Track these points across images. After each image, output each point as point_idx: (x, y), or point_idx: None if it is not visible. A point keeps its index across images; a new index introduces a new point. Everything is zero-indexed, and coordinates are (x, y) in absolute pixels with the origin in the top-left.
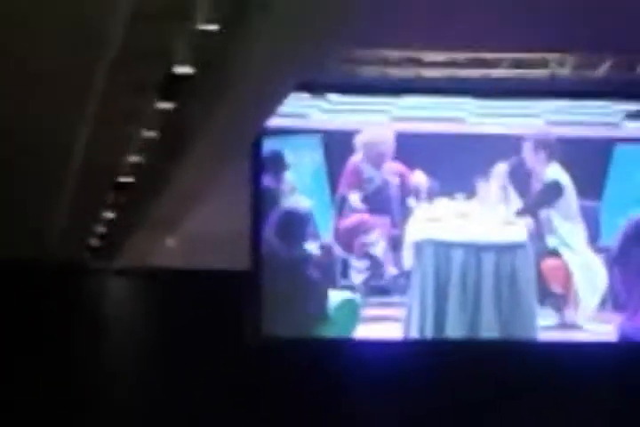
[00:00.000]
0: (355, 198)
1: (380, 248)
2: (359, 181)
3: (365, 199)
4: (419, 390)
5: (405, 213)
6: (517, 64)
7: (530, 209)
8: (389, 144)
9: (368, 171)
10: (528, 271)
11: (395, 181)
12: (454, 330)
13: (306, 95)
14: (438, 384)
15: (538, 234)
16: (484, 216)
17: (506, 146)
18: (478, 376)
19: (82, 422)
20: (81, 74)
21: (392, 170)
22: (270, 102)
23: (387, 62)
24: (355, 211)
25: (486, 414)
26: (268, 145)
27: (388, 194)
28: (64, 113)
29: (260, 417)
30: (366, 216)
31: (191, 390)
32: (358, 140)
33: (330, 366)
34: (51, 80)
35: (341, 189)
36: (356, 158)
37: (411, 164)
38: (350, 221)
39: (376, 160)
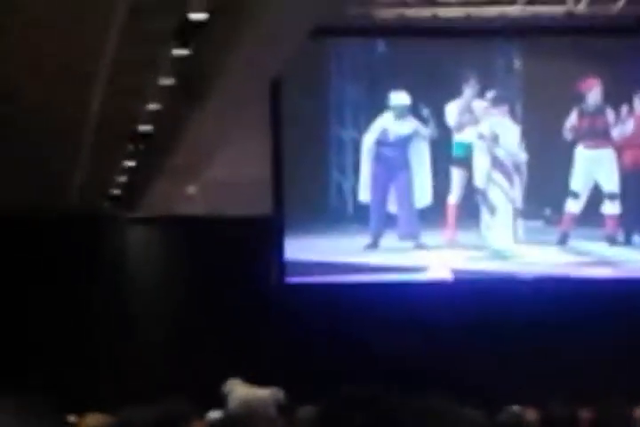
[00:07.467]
0: None
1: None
2: None
3: None
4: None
5: None
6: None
7: None
8: None
9: None
10: None
11: None
12: None
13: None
14: None
15: None
16: None
17: None
18: None
19: (107, 362)
20: (97, 22)
21: None
22: (286, 48)
23: (404, 4)
24: None
25: None
26: None
27: None
28: (81, 62)
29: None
30: None
31: (212, 335)
32: None
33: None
34: (65, 29)
35: None
36: None
37: None
38: None
39: None
